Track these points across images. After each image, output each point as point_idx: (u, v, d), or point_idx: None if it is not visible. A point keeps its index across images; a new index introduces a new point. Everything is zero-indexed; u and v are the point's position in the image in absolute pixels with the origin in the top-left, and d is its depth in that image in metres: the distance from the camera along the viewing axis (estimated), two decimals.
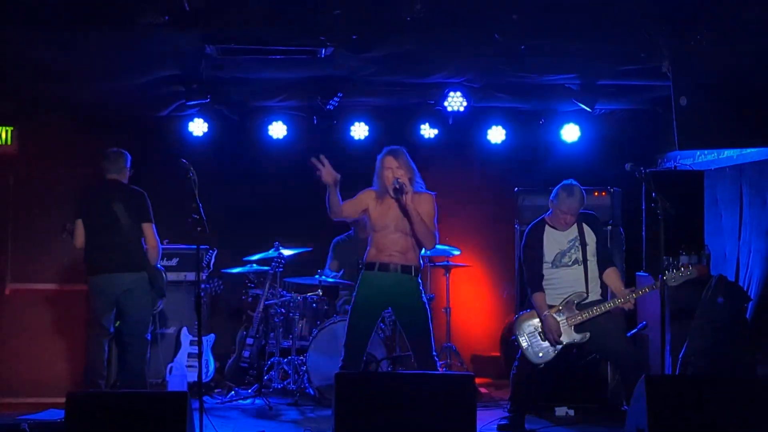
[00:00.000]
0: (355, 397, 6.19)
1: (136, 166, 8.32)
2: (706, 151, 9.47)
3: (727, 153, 9.09)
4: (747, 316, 8.36)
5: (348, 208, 7.37)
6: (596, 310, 7.45)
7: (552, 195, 7.68)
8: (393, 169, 7.25)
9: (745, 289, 8.56)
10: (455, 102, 9.59)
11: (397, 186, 7.12)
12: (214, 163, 10.35)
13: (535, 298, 7.61)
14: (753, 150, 8.61)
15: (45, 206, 8.96)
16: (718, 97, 7.19)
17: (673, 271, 7.30)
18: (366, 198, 7.39)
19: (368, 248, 7.41)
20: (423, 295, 7.38)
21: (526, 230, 7.87)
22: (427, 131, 10.49)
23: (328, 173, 7.15)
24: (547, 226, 7.72)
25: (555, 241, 7.65)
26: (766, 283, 8.40)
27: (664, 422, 6.16)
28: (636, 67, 8.26)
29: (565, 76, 8.98)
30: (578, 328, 7.48)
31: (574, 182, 7.64)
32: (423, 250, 7.43)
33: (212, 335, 9.44)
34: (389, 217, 7.26)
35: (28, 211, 8.97)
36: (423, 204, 7.25)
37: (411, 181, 7.24)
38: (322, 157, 7.19)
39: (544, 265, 7.65)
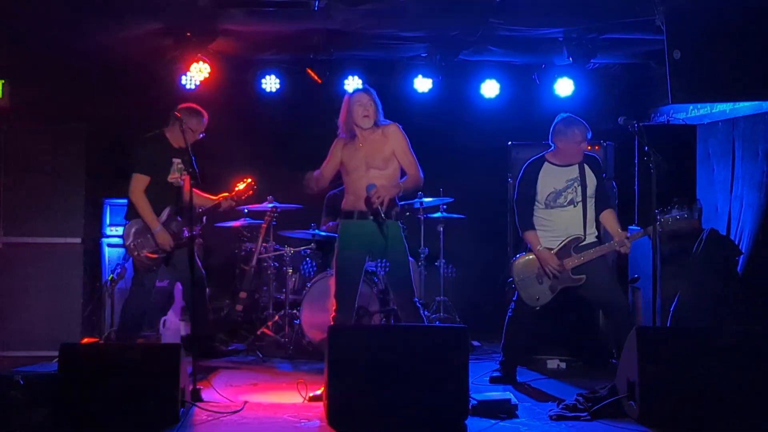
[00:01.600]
0: (347, 349, 6.25)
1: (129, 118, 8.32)
2: (698, 106, 9.44)
3: (720, 107, 9.07)
4: (738, 269, 8.39)
5: (329, 171, 7.45)
6: (593, 253, 7.48)
7: (554, 133, 7.68)
8: (363, 104, 7.28)
9: (736, 242, 8.57)
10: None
11: (370, 195, 7.13)
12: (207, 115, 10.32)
13: (527, 236, 7.65)
14: (746, 104, 8.59)
15: (37, 159, 8.92)
16: (712, 51, 7.18)
17: (665, 216, 7.32)
18: (337, 151, 7.42)
19: (345, 195, 7.42)
20: (403, 239, 7.40)
21: (523, 168, 7.85)
22: (421, 84, 10.45)
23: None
24: (546, 164, 7.70)
25: (552, 179, 7.64)
26: (758, 237, 8.42)
27: (654, 374, 6.23)
28: (630, 20, 8.22)
29: (558, 29, 8.94)
30: (575, 270, 7.51)
31: (570, 114, 7.72)
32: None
33: (206, 289, 9.45)
34: (357, 158, 7.27)
35: (20, 165, 8.93)
36: (392, 138, 7.30)
37: (376, 117, 7.29)
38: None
39: (537, 206, 7.67)
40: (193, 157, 7.11)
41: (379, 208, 7.03)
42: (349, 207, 7.37)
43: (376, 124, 7.30)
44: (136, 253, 8.06)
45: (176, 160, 8.09)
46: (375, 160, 7.24)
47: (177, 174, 8.12)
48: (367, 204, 7.13)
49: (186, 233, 8.02)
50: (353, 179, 7.32)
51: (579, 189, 7.60)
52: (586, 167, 7.66)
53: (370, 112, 7.26)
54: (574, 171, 7.63)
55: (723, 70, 7.19)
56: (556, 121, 7.70)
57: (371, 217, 7.22)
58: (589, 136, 7.65)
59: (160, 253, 8.09)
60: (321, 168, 7.40)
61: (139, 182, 8.05)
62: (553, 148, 7.72)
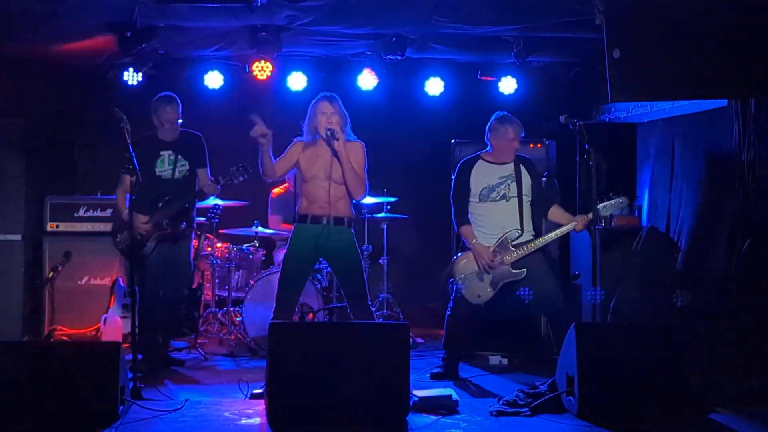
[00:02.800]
0: (289, 346, 6.24)
1: (70, 115, 8.22)
2: (639, 104, 9.54)
3: (660, 106, 9.17)
4: (677, 266, 8.50)
5: (281, 167, 7.39)
6: (532, 246, 7.55)
7: (489, 130, 7.76)
8: (328, 114, 7.25)
9: (675, 240, 8.69)
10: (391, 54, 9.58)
11: (329, 133, 7.12)
12: (148, 113, 10.24)
13: (462, 231, 7.73)
14: (685, 102, 8.71)
15: None
16: (651, 50, 7.23)
17: (604, 200, 7.38)
18: (295, 151, 7.39)
19: (299, 200, 7.41)
20: (356, 245, 7.39)
21: (459, 164, 7.93)
22: (365, 82, 10.45)
23: (261, 130, 7.13)
24: (480, 161, 7.79)
25: (485, 175, 7.72)
26: (696, 234, 8.54)
27: (592, 369, 6.29)
28: (571, 19, 8.29)
29: (501, 28, 8.98)
30: (515, 265, 7.57)
31: (505, 112, 7.80)
32: (353, 201, 7.43)
33: None
34: (318, 165, 7.25)
35: None
36: (353, 152, 7.26)
37: (343, 129, 7.25)
38: (255, 115, 7.17)
39: (471, 199, 7.74)
40: (133, 154, 7.05)
41: (331, 133, 7.14)
42: (303, 211, 7.35)
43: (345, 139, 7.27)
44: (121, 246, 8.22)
45: (165, 153, 8.22)
46: (335, 172, 7.22)
47: (169, 167, 8.23)
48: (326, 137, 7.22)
49: (166, 225, 8.06)
50: (310, 186, 7.30)
51: (513, 186, 7.67)
52: (522, 167, 7.73)
53: (334, 122, 7.24)
54: (508, 169, 7.72)
55: (662, 69, 7.25)
56: (491, 119, 7.78)
57: (325, 221, 7.22)
58: (522, 135, 7.74)
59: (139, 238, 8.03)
60: (276, 161, 7.36)
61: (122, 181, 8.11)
62: (489, 147, 7.79)
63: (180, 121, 8.33)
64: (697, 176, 8.63)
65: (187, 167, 8.28)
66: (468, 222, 7.73)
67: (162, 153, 8.21)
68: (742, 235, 7.82)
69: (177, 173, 8.23)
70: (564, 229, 7.56)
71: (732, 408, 6.54)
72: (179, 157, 8.26)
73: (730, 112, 8.09)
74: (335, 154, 7.16)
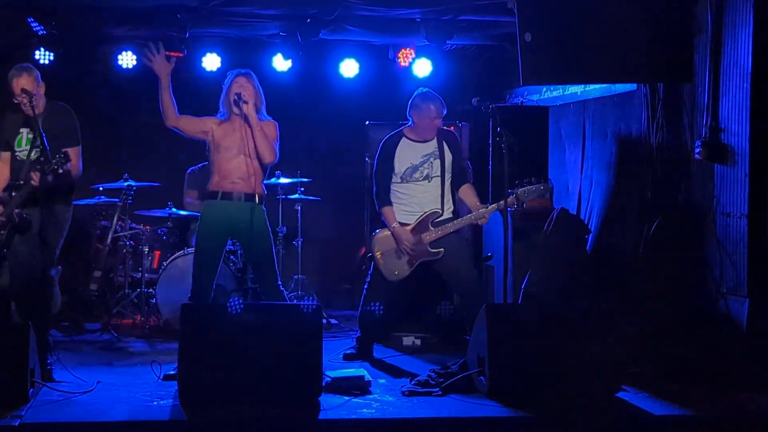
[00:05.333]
0: (200, 327, 6.23)
1: None
2: (551, 88, 9.67)
3: (572, 89, 9.31)
4: (587, 247, 8.64)
5: (186, 121, 7.36)
6: (451, 227, 7.61)
7: (411, 107, 7.77)
8: (242, 87, 7.28)
9: (586, 221, 8.83)
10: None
11: (236, 97, 7.15)
12: (60, 93, 10.05)
13: (384, 212, 7.75)
14: (596, 87, 8.85)
15: None
16: (562, 34, 7.33)
17: (524, 185, 7.48)
18: (209, 122, 7.37)
19: (211, 176, 7.37)
20: (267, 223, 7.40)
21: (381, 142, 7.93)
22: (280, 64, 10.41)
23: (160, 63, 7.09)
24: (404, 139, 7.81)
25: (409, 153, 7.74)
26: (606, 216, 8.68)
27: (503, 350, 6.37)
28: (484, 2, 8.36)
29: (415, 10, 9.03)
30: (433, 245, 7.63)
31: (428, 89, 7.83)
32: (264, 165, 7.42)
33: (59, 267, 9.27)
34: (232, 139, 7.24)
35: None
36: (266, 128, 7.29)
37: (258, 107, 7.24)
38: (153, 44, 7.11)
39: (394, 179, 7.76)
40: (43, 135, 6.87)
41: (239, 95, 7.15)
42: (213, 188, 7.32)
43: (259, 117, 7.26)
44: None
45: (24, 130, 7.30)
46: (247, 147, 7.22)
47: (26, 146, 7.26)
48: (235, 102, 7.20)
49: (16, 216, 7.02)
50: (222, 159, 7.26)
51: (436, 164, 7.71)
52: (444, 143, 7.77)
53: (248, 95, 7.22)
54: (431, 146, 7.75)
55: (573, 53, 7.36)
56: (413, 95, 7.80)
57: (235, 198, 7.21)
58: (445, 112, 7.77)
59: None
60: (184, 115, 7.34)
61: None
62: (410, 123, 7.82)
63: (38, 91, 7.21)
64: (607, 159, 8.77)
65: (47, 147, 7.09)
66: (390, 203, 7.75)
67: (21, 130, 7.28)
68: (650, 216, 7.98)
69: (33, 154, 7.17)
70: (470, 218, 7.62)
71: (640, 386, 6.67)
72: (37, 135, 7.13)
73: (639, 96, 8.25)
74: (245, 118, 7.17)
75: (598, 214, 8.75)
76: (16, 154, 7.26)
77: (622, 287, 8.06)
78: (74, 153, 7.27)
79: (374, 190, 7.88)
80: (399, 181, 7.76)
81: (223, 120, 7.36)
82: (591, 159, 9.03)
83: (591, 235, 8.66)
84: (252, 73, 7.42)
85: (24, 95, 7.05)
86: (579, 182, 9.17)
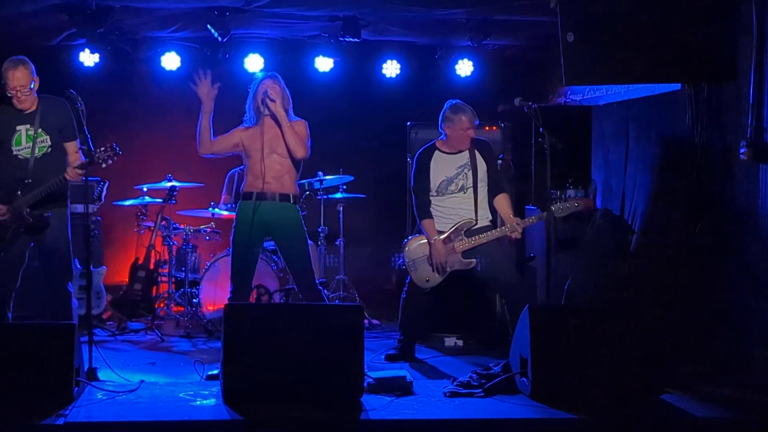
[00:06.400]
0: (243, 327, 6.24)
1: None
2: (594, 88, 9.60)
3: (615, 89, 9.23)
4: (631, 249, 8.58)
5: (219, 143, 7.41)
6: (484, 237, 7.59)
7: (444, 119, 7.75)
8: (279, 95, 7.31)
9: (629, 222, 8.77)
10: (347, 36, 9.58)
11: (264, 95, 7.19)
12: (105, 94, 10.22)
13: (424, 225, 7.73)
14: (639, 87, 8.76)
15: None
16: (605, 34, 7.29)
17: (559, 202, 7.47)
18: (236, 133, 7.43)
19: (245, 177, 7.42)
20: (302, 222, 7.43)
21: (416, 156, 7.93)
22: (323, 64, 10.44)
23: (206, 88, 7.17)
24: (437, 152, 7.80)
25: (443, 166, 7.74)
26: (650, 217, 8.62)
27: (545, 351, 6.33)
28: (526, 2, 8.32)
29: (456, 10, 9.01)
30: (466, 254, 7.62)
31: (458, 101, 7.79)
32: (299, 171, 7.48)
33: (104, 267, 9.38)
34: (262, 141, 7.27)
35: None
36: (296, 126, 7.31)
37: (286, 108, 7.28)
38: (203, 70, 7.17)
39: (430, 194, 7.76)
40: (88, 136, 6.89)
41: (266, 93, 7.17)
42: (247, 188, 7.38)
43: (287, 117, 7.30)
44: None
45: (22, 127, 7.11)
46: (278, 146, 7.26)
47: (27, 144, 7.11)
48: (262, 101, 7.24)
49: (27, 215, 7.03)
50: (253, 161, 7.31)
51: (469, 174, 7.70)
52: (477, 153, 7.75)
53: (280, 101, 7.25)
54: (464, 157, 7.73)
55: (616, 53, 7.31)
56: (444, 107, 7.79)
57: (269, 198, 7.24)
58: (477, 123, 7.75)
59: None
60: (216, 137, 7.39)
61: None
62: (443, 135, 7.81)
63: (33, 85, 7.05)
64: (651, 159, 8.70)
65: (49, 143, 7.14)
66: (430, 216, 7.73)
67: (18, 128, 7.10)
68: (694, 217, 7.91)
69: (37, 151, 7.10)
70: (503, 230, 7.60)
71: (683, 389, 6.61)
72: (39, 131, 7.10)
73: (683, 96, 8.16)
74: (273, 116, 7.20)
75: (642, 215, 8.68)
76: (16, 152, 7.11)
77: (666, 288, 8.00)
78: (74, 147, 7.26)
79: (414, 203, 7.87)
80: (435, 194, 7.76)
81: (250, 126, 7.41)
82: (635, 159, 8.95)
83: (635, 235, 8.60)
84: (278, 75, 7.45)
85: (19, 89, 6.97)
86: (622, 183, 9.10)
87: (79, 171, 6.96)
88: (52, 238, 7.19)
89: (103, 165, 6.88)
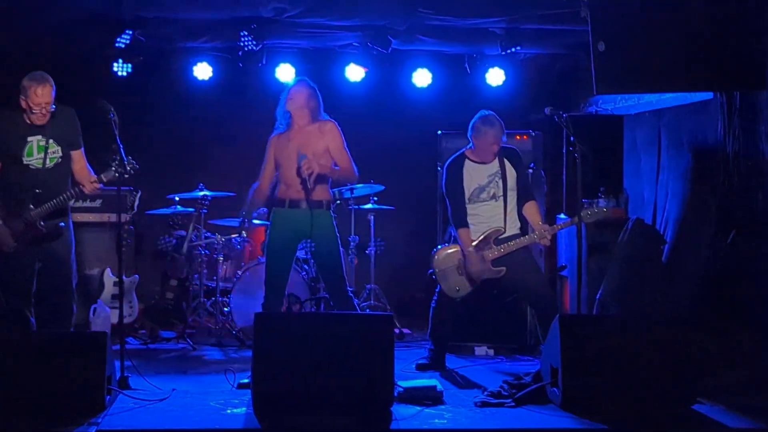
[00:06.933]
0: (274, 336, 6.27)
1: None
2: (626, 96, 9.57)
3: (647, 98, 9.20)
4: (663, 258, 8.54)
5: (266, 178, 7.52)
6: (513, 245, 7.57)
7: (473, 129, 7.74)
8: (301, 94, 7.32)
9: (661, 231, 8.73)
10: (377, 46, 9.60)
11: (301, 172, 7.15)
12: (138, 104, 10.27)
13: (461, 234, 7.70)
14: (671, 95, 8.74)
15: None
16: (636, 43, 7.27)
17: (589, 208, 7.45)
18: (270, 152, 7.46)
19: (278, 185, 7.43)
20: (335, 229, 7.45)
21: (446, 165, 7.92)
22: (353, 74, 10.46)
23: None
24: (467, 161, 7.79)
25: (474, 175, 7.73)
26: (682, 226, 8.57)
27: (576, 360, 6.31)
28: (557, 11, 8.31)
29: (487, 19, 9.00)
30: (495, 263, 7.60)
31: (490, 112, 7.75)
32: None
33: (136, 276, 9.42)
34: (291, 147, 7.28)
35: None
36: (328, 134, 7.33)
37: (315, 111, 7.31)
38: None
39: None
40: (121, 146, 6.93)
41: (308, 178, 7.07)
42: (281, 195, 7.41)
43: (314, 119, 7.31)
44: None
45: (34, 138, 7.13)
46: (307, 151, 7.26)
47: (39, 155, 7.13)
48: (298, 173, 7.15)
49: (41, 227, 7.09)
50: (285, 168, 7.33)
51: (500, 183, 7.69)
52: (506, 161, 7.74)
53: (302, 102, 7.27)
54: (494, 166, 7.72)
55: (647, 61, 7.29)
56: (475, 117, 7.77)
57: (304, 205, 7.25)
58: (504, 139, 7.73)
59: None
60: (259, 178, 7.46)
61: None
62: (471, 144, 7.80)
63: (53, 107, 7.09)
64: (682, 168, 8.66)
65: (60, 153, 7.19)
66: (467, 224, 7.71)
67: (30, 138, 7.11)
68: (727, 227, 7.86)
69: (48, 161, 7.15)
70: (532, 237, 7.58)
71: (716, 399, 6.57)
72: (50, 141, 7.13)
73: (715, 104, 8.13)
74: (311, 138, 7.29)
75: (674, 224, 8.63)
76: (27, 162, 7.12)
77: (698, 298, 7.96)
78: (81, 155, 7.34)
79: (449, 211, 7.85)
80: (467, 203, 7.75)
81: (279, 134, 7.44)
82: (666, 168, 8.91)
83: (666, 245, 8.56)
84: (306, 79, 7.48)
85: (44, 105, 7.01)
86: (654, 192, 9.06)
87: (97, 185, 7.10)
88: (63, 247, 7.26)
89: (126, 176, 6.99)
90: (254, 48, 9.31)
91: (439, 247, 7.91)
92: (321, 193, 7.35)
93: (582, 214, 7.37)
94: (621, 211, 8.72)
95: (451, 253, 7.72)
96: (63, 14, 8.70)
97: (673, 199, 8.77)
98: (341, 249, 7.64)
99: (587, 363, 6.32)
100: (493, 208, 7.70)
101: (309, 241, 7.42)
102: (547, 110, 7.40)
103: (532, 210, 7.76)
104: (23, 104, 7.04)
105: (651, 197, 9.15)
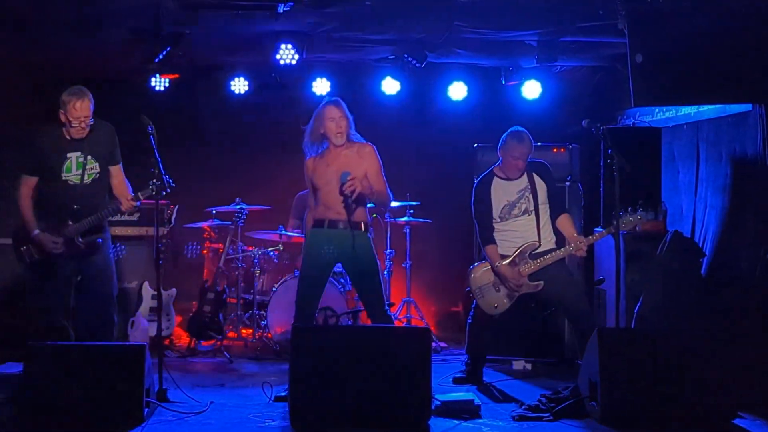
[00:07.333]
0: (311, 349, 6.27)
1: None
2: (664, 108, 9.52)
3: (685, 110, 9.15)
4: (701, 271, 8.48)
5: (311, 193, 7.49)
6: (549, 258, 7.54)
7: (501, 143, 7.73)
8: (336, 119, 7.22)
9: (700, 244, 8.66)
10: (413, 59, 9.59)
11: (344, 191, 7.11)
12: (176, 118, 10.35)
13: (488, 251, 7.69)
14: (709, 107, 8.68)
15: (4, 163, 8.86)
16: (674, 55, 7.25)
17: (624, 216, 7.40)
18: (308, 174, 7.42)
19: (317, 205, 7.40)
20: (373, 249, 7.39)
21: (475, 185, 7.90)
22: (389, 87, 10.47)
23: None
24: (495, 178, 7.78)
25: (503, 192, 7.70)
26: (721, 239, 8.51)
27: (615, 375, 6.29)
28: (594, 23, 8.28)
29: (525, 32, 8.99)
30: (532, 277, 7.57)
31: (521, 128, 7.72)
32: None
33: (173, 289, 9.46)
34: (330, 172, 7.22)
35: None
36: (367, 158, 7.27)
37: (348, 131, 7.28)
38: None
39: (493, 220, 7.72)
40: (159, 160, 6.95)
41: (350, 195, 7.04)
42: (319, 216, 7.36)
43: (350, 140, 7.30)
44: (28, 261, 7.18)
45: (73, 154, 7.15)
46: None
47: (77, 170, 7.15)
48: (340, 191, 7.12)
49: (80, 243, 7.12)
50: (324, 192, 7.27)
51: (530, 198, 7.66)
52: (535, 175, 7.71)
53: (343, 127, 7.24)
54: (523, 181, 7.70)
55: (685, 73, 7.27)
56: (505, 133, 7.74)
57: (342, 225, 7.24)
58: (529, 159, 7.70)
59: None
60: (309, 204, 7.51)
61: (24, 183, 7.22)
62: (500, 161, 7.79)
63: (92, 120, 7.10)
64: (721, 181, 8.60)
65: (98, 169, 7.20)
66: (493, 241, 7.69)
67: (69, 154, 7.13)
68: (766, 239, 7.80)
69: (86, 177, 7.17)
70: (568, 249, 7.55)
71: (757, 413, 6.52)
72: (89, 158, 7.14)
73: (754, 116, 8.06)
74: (349, 161, 7.22)
75: (713, 237, 8.57)
76: (66, 178, 7.13)
77: (738, 311, 7.89)
78: (119, 170, 7.37)
79: (476, 230, 7.84)
80: (498, 220, 7.72)
81: (314, 157, 7.39)
82: (705, 181, 8.85)
83: (705, 258, 8.49)
84: (340, 100, 7.39)
85: (83, 119, 7.04)
86: (693, 205, 9.00)
87: (133, 203, 7.14)
88: (102, 260, 7.28)
89: (163, 193, 6.99)
90: (293, 62, 9.32)
91: (475, 264, 7.87)
92: (360, 214, 7.31)
93: (616, 222, 7.33)
94: (659, 224, 8.66)
95: (488, 270, 7.70)
96: (101, 31, 8.76)
97: (711, 212, 8.71)
98: (378, 266, 7.62)
99: (626, 377, 6.29)
100: (525, 223, 7.67)
101: (346, 263, 7.43)
102: (585, 123, 7.38)
103: (566, 222, 7.72)
104: (62, 118, 7.06)
105: (689, 210, 9.09)
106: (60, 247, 7.05)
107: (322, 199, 7.31)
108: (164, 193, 7.00)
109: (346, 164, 7.19)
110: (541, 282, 7.54)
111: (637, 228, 8.03)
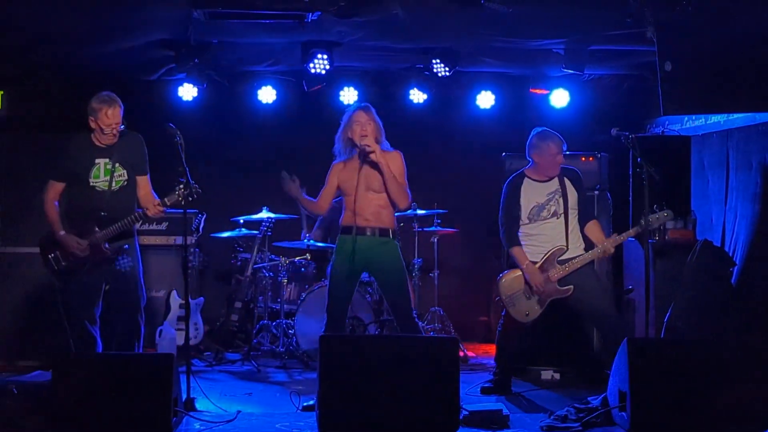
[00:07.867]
0: (339, 359, 6.26)
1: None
2: (693, 117, 9.48)
3: (714, 119, 9.11)
4: (732, 281, 8.42)
5: (326, 197, 7.49)
6: (577, 262, 7.50)
7: (530, 147, 7.74)
8: (362, 123, 7.23)
9: (730, 254, 8.61)
10: (441, 68, 9.58)
11: (362, 150, 7.14)
12: (203, 127, 10.37)
13: (514, 252, 7.67)
14: (740, 116, 8.64)
15: (34, 171, 8.91)
16: (703, 63, 7.21)
17: (651, 215, 7.36)
18: (333, 175, 7.42)
19: (343, 212, 7.42)
20: (401, 257, 7.38)
21: (505, 184, 7.89)
22: (417, 96, 10.47)
23: (292, 187, 7.32)
24: (526, 179, 7.76)
25: (533, 194, 7.68)
26: (752, 248, 8.45)
27: (645, 385, 6.24)
28: (623, 32, 8.24)
29: (552, 41, 8.96)
30: (561, 282, 7.54)
31: (544, 128, 7.75)
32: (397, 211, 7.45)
33: (201, 298, 9.48)
34: (357, 178, 7.22)
35: (19, 175, 8.91)
36: (392, 162, 7.24)
37: (378, 139, 7.25)
38: (283, 172, 7.33)
39: (521, 222, 7.69)
40: (187, 169, 6.97)
41: (366, 148, 7.10)
42: (346, 223, 7.36)
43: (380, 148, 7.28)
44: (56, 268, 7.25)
45: (101, 160, 7.22)
46: (373, 183, 7.23)
47: (105, 177, 7.21)
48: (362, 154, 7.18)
49: (106, 249, 7.15)
50: (351, 199, 7.27)
51: (560, 201, 7.63)
52: (566, 180, 7.69)
53: (368, 130, 7.23)
54: (554, 184, 7.67)
55: (714, 81, 7.23)
56: (531, 135, 7.75)
57: (370, 232, 7.23)
58: (565, 148, 7.69)
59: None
60: (320, 197, 7.47)
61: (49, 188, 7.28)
62: (531, 163, 7.76)
63: (122, 126, 7.18)
64: (752, 190, 8.54)
65: (125, 177, 7.26)
66: (519, 243, 7.67)
67: (97, 161, 7.20)
68: None
69: (114, 184, 7.22)
70: (596, 252, 7.51)
71: None
72: (116, 165, 7.20)
73: None
74: (375, 166, 7.18)
75: (743, 247, 8.51)
76: (93, 184, 7.19)
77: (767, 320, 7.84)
78: (147, 181, 7.41)
79: (501, 231, 7.81)
80: (527, 221, 7.69)
81: (344, 161, 7.40)
82: (735, 190, 8.80)
83: (736, 267, 8.43)
84: (370, 106, 7.41)
85: (114, 126, 7.10)
86: (723, 214, 8.95)
87: (161, 208, 7.13)
88: (129, 271, 7.29)
89: (190, 199, 7.00)
90: (324, 71, 9.33)
91: (505, 272, 7.83)
92: (387, 220, 7.31)
93: (642, 222, 7.28)
94: (689, 233, 8.61)
95: (517, 277, 7.66)
96: (130, 40, 8.81)
97: (742, 221, 8.65)
98: (406, 273, 7.60)
99: (656, 387, 6.24)
100: (555, 226, 7.63)
101: (373, 270, 7.42)
102: (614, 131, 7.35)
103: (594, 228, 7.69)
104: (92, 125, 7.13)
105: (719, 219, 9.04)
106: (85, 249, 7.09)
107: (348, 204, 7.32)
108: (191, 199, 7.01)
109: (374, 172, 7.19)
110: (571, 286, 7.51)
111: (666, 236, 7.97)
